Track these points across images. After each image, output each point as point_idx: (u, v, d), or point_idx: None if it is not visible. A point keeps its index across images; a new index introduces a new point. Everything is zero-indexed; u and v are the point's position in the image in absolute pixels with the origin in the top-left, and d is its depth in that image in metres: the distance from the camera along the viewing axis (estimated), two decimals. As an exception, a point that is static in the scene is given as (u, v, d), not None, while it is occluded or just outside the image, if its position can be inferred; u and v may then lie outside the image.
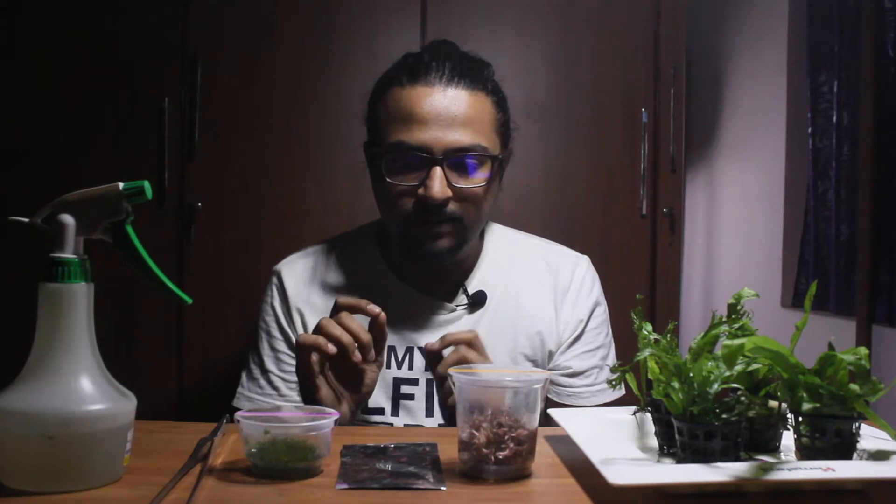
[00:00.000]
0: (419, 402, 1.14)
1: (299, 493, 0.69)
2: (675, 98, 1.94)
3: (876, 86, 1.74)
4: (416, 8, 1.91)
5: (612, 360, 1.24)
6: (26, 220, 0.72)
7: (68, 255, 0.69)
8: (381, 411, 1.14)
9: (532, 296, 1.20)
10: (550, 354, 1.19)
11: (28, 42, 1.86)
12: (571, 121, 1.95)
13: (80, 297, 0.69)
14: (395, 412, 1.14)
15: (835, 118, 1.96)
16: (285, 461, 0.73)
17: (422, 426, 1.13)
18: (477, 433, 0.74)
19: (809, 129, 2.05)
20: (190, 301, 0.77)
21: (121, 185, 0.72)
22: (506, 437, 0.74)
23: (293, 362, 1.12)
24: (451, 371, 0.77)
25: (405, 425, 1.12)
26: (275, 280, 1.22)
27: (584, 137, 1.96)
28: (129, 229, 0.74)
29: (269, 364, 1.17)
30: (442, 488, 0.70)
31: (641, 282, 1.95)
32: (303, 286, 1.20)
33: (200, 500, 0.66)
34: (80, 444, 0.66)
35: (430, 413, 1.14)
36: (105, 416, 0.67)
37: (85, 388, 0.67)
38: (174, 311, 1.87)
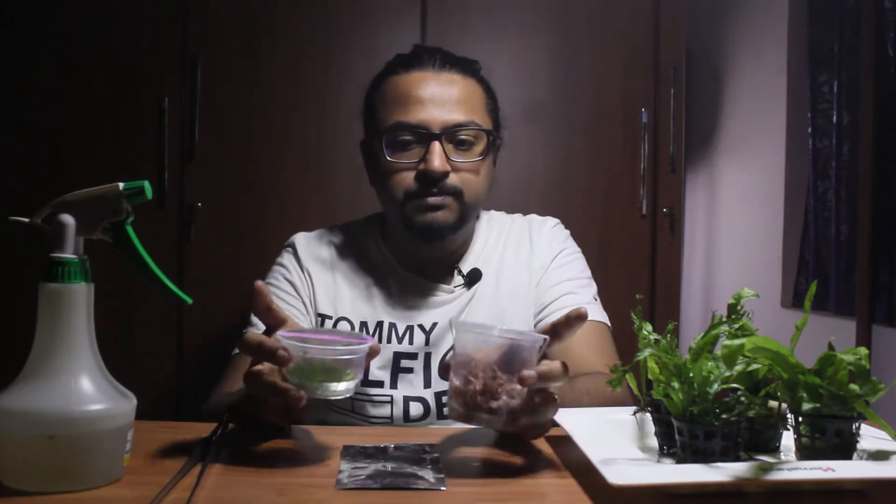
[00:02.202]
0: (418, 375, 1.18)
1: (299, 493, 0.69)
2: (675, 98, 1.94)
3: (876, 86, 1.74)
4: (416, 8, 1.91)
5: (589, 292, 1.24)
6: (26, 220, 0.72)
7: (68, 255, 0.69)
8: (380, 384, 1.18)
9: (516, 273, 1.25)
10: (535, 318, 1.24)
11: (28, 42, 1.86)
12: (571, 121, 1.95)
13: (80, 297, 0.69)
14: (393, 385, 1.18)
15: (835, 118, 1.96)
16: (320, 380, 0.76)
17: (421, 397, 1.17)
18: (474, 380, 0.75)
19: (809, 129, 2.05)
20: (190, 301, 0.77)
21: (121, 185, 0.72)
22: (500, 389, 0.75)
23: (292, 306, 1.19)
24: (457, 322, 0.79)
25: (404, 397, 1.17)
26: (288, 248, 1.29)
27: (584, 137, 1.96)
28: (129, 229, 0.74)
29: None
30: (442, 488, 0.70)
31: (641, 282, 1.95)
32: (313, 254, 1.26)
33: (200, 500, 0.66)
34: (80, 444, 0.66)
35: (427, 384, 1.18)
36: (105, 416, 0.67)
37: (85, 388, 0.67)
38: (174, 311, 1.87)
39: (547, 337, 0.78)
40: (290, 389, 0.77)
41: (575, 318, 0.81)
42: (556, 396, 0.81)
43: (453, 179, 1.14)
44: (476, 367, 0.76)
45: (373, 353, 0.81)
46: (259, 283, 0.85)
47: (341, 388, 0.78)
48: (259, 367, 0.81)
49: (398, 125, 1.13)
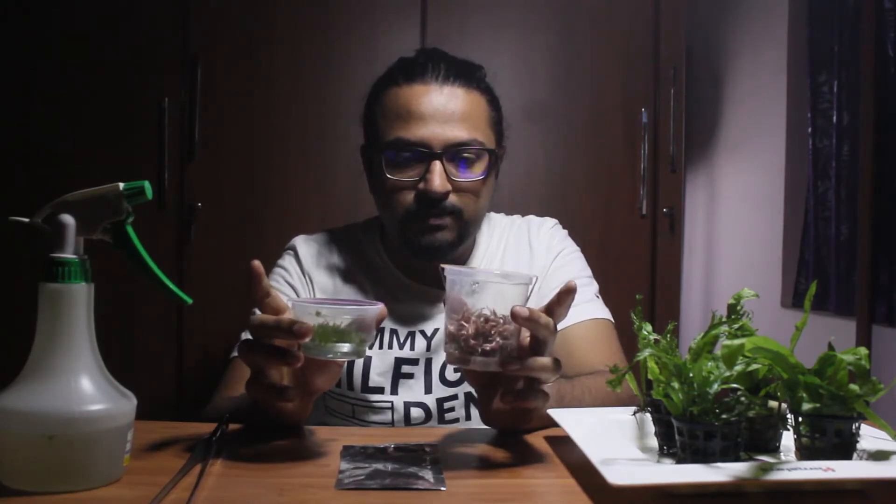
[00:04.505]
0: (418, 381, 1.17)
1: (299, 493, 0.69)
2: (675, 98, 1.95)
3: (876, 86, 1.74)
4: (416, 8, 1.91)
5: (590, 290, 1.24)
6: (26, 220, 0.72)
7: (68, 255, 0.69)
8: (381, 390, 1.17)
9: None
10: None
11: (29, 42, 1.86)
12: (571, 121, 1.95)
13: (80, 297, 0.69)
14: (394, 391, 1.17)
15: (835, 118, 1.96)
16: (334, 340, 0.77)
17: (422, 402, 1.16)
18: (466, 325, 0.76)
19: (809, 129, 2.05)
20: (190, 301, 0.77)
21: (121, 185, 0.72)
22: (492, 332, 0.76)
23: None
24: (445, 266, 0.79)
25: (405, 402, 1.16)
26: (289, 251, 1.28)
27: (584, 137, 1.96)
28: (129, 229, 0.74)
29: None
30: (442, 489, 0.70)
31: (641, 282, 1.95)
32: (314, 258, 1.25)
33: (200, 500, 0.66)
34: (80, 444, 0.66)
35: (428, 390, 1.17)
36: (105, 416, 0.67)
37: (85, 388, 0.67)
38: (174, 311, 1.88)
39: (535, 276, 0.80)
40: (289, 351, 0.78)
41: (565, 293, 0.81)
42: (545, 388, 0.82)
43: (453, 199, 1.11)
44: (468, 311, 0.77)
45: (381, 316, 0.81)
46: (256, 262, 0.82)
47: (346, 348, 0.78)
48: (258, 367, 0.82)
49: (399, 141, 1.10)
